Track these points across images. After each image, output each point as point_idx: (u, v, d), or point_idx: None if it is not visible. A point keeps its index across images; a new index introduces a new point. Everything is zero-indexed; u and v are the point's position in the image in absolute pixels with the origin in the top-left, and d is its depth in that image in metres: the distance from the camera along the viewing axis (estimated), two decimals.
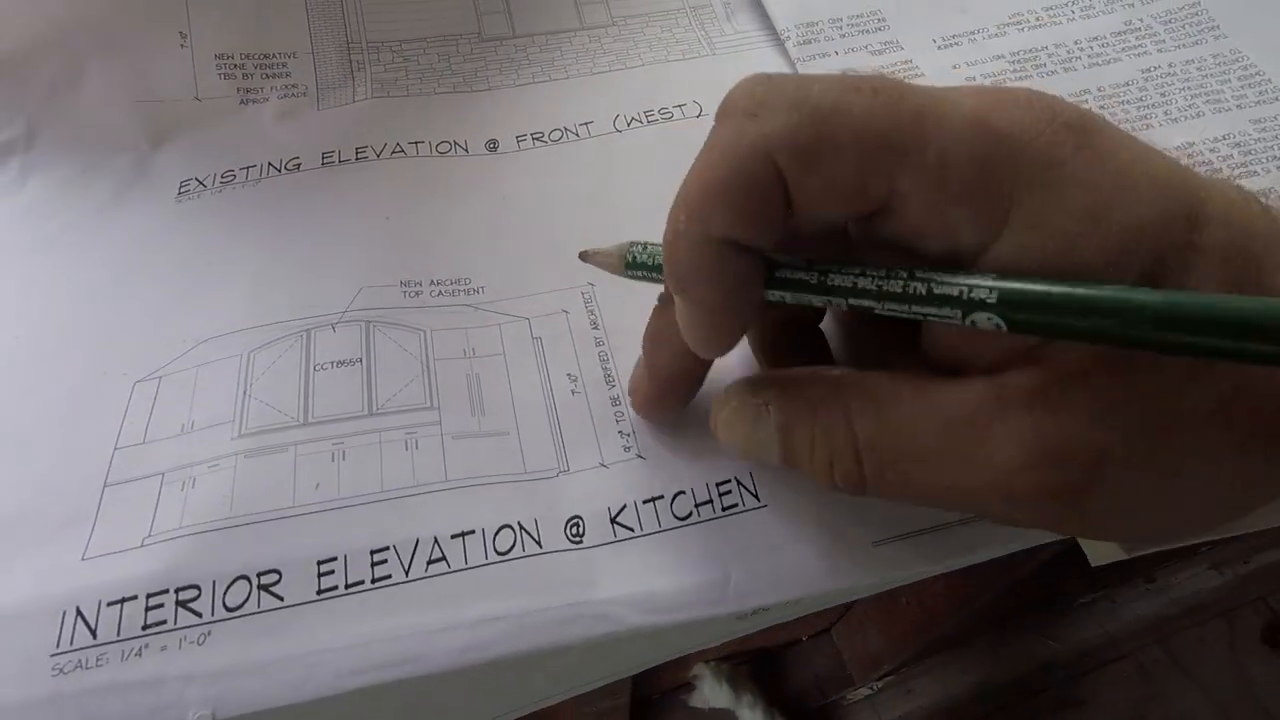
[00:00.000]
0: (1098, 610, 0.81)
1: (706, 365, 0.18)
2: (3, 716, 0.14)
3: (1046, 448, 0.13)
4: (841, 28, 0.30)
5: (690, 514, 0.18)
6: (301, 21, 0.30)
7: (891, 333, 0.17)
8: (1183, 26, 0.28)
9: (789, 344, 0.19)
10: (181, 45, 0.28)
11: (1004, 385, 0.13)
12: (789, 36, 0.30)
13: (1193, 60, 0.27)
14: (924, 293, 0.13)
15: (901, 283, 0.13)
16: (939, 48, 0.29)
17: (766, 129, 0.13)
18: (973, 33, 0.29)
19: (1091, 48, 0.28)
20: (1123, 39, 0.28)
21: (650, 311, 0.18)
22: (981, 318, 0.13)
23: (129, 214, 0.25)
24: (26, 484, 0.18)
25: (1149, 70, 0.27)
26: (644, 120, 0.28)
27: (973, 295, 0.13)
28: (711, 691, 0.73)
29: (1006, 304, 0.12)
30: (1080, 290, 0.12)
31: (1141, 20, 0.29)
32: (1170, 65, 0.27)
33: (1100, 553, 0.17)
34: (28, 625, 0.15)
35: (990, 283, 0.12)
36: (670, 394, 0.19)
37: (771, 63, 0.29)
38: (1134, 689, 0.78)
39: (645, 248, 0.18)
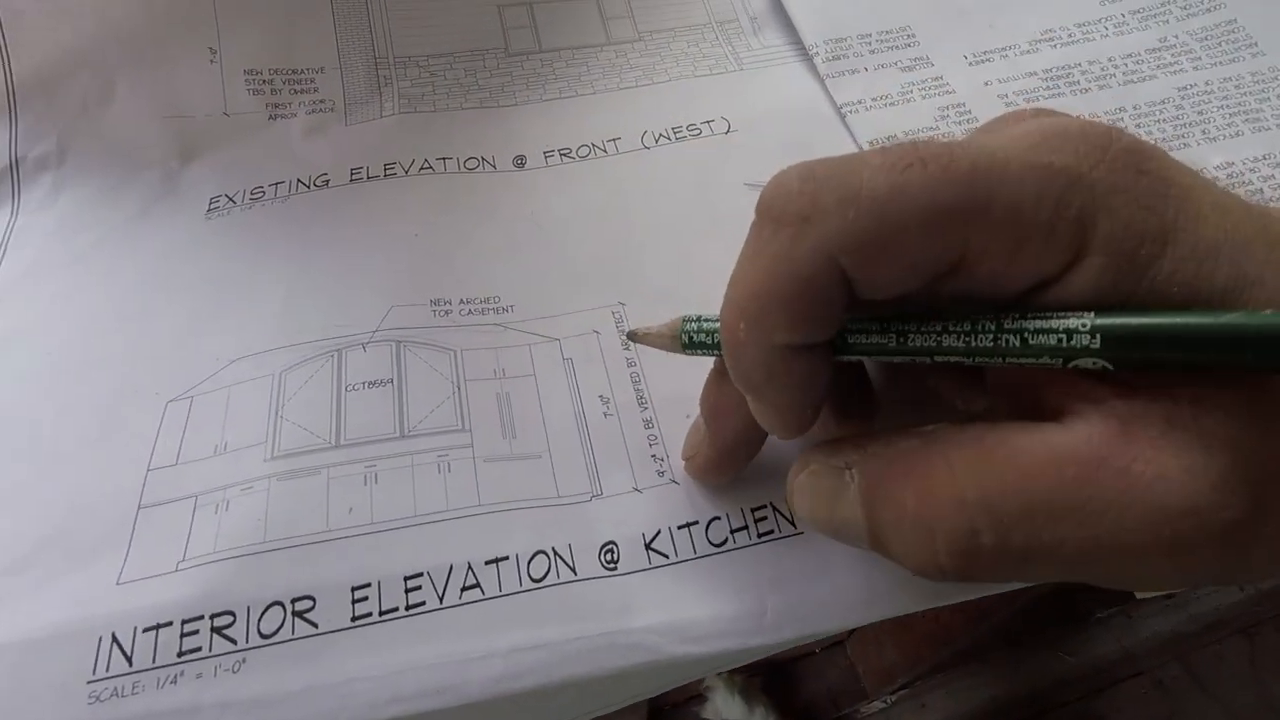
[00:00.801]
0: (1115, 625, 0.80)
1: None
2: None
3: (1209, 479, 0.11)
4: (870, 43, 0.30)
5: (725, 540, 0.18)
6: (329, 37, 0.30)
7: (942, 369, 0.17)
8: (1219, 44, 0.28)
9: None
10: (211, 61, 0.28)
11: (1126, 418, 0.12)
12: (817, 53, 0.29)
13: (1230, 78, 0.27)
14: (1018, 345, 0.12)
15: (991, 336, 0.13)
16: (970, 64, 0.29)
17: (824, 231, 0.13)
18: (1004, 49, 0.29)
19: (1126, 65, 0.28)
20: (1158, 56, 0.28)
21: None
22: (1085, 362, 0.12)
23: (159, 229, 0.25)
24: (60, 504, 0.18)
25: (1185, 88, 0.27)
26: (672, 137, 0.28)
27: (1073, 342, 0.12)
28: (724, 703, 0.73)
29: (1111, 343, 0.12)
30: (1186, 320, 0.11)
31: (1176, 37, 0.28)
32: (1207, 83, 0.27)
33: None
34: (64, 651, 0.15)
35: (1089, 322, 0.12)
36: (730, 460, 0.18)
37: (800, 79, 0.29)
38: (1152, 706, 0.76)
39: (699, 324, 0.17)
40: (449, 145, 0.28)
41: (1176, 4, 0.29)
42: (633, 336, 0.18)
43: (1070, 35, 0.29)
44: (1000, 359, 0.13)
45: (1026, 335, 0.12)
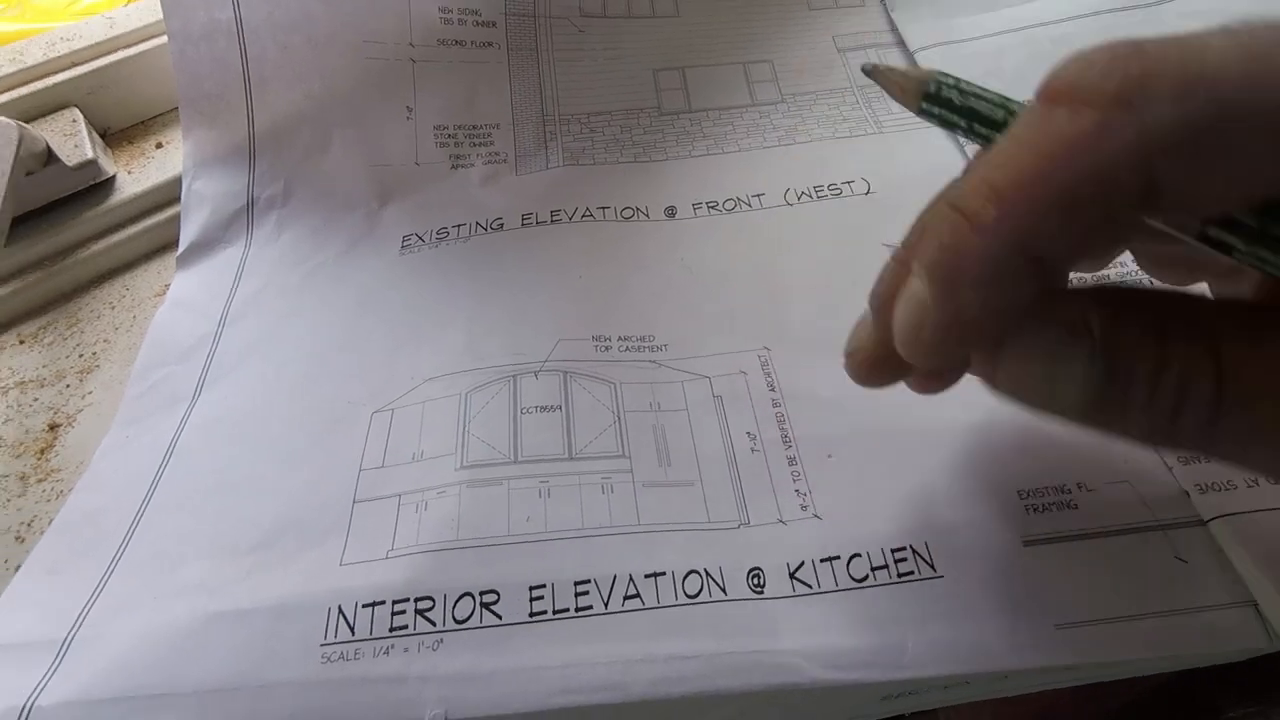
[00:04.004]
0: None
1: None
2: (284, 692, 0.17)
3: None
4: None
5: (866, 577, 0.19)
6: (505, 96, 0.34)
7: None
8: None
9: None
10: (407, 118, 0.32)
11: None
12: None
13: None
14: None
15: None
16: None
17: (1147, 124, 0.10)
18: None
19: None
20: None
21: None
22: None
23: (362, 264, 0.28)
24: (293, 493, 0.21)
25: None
26: (813, 195, 0.30)
27: None
28: None
29: None
30: None
31: None
32: None
33: None
34: (302, 617, 0.18)
35: None
36: (891, 362, 0.15)
37: (941, 146, 0.30)
38: None
39: (957, 84, 0.14)
40: (607, 196, 0.30)
41: None
42: (871, 70, 0.16)
43: None
44: None
45: None
